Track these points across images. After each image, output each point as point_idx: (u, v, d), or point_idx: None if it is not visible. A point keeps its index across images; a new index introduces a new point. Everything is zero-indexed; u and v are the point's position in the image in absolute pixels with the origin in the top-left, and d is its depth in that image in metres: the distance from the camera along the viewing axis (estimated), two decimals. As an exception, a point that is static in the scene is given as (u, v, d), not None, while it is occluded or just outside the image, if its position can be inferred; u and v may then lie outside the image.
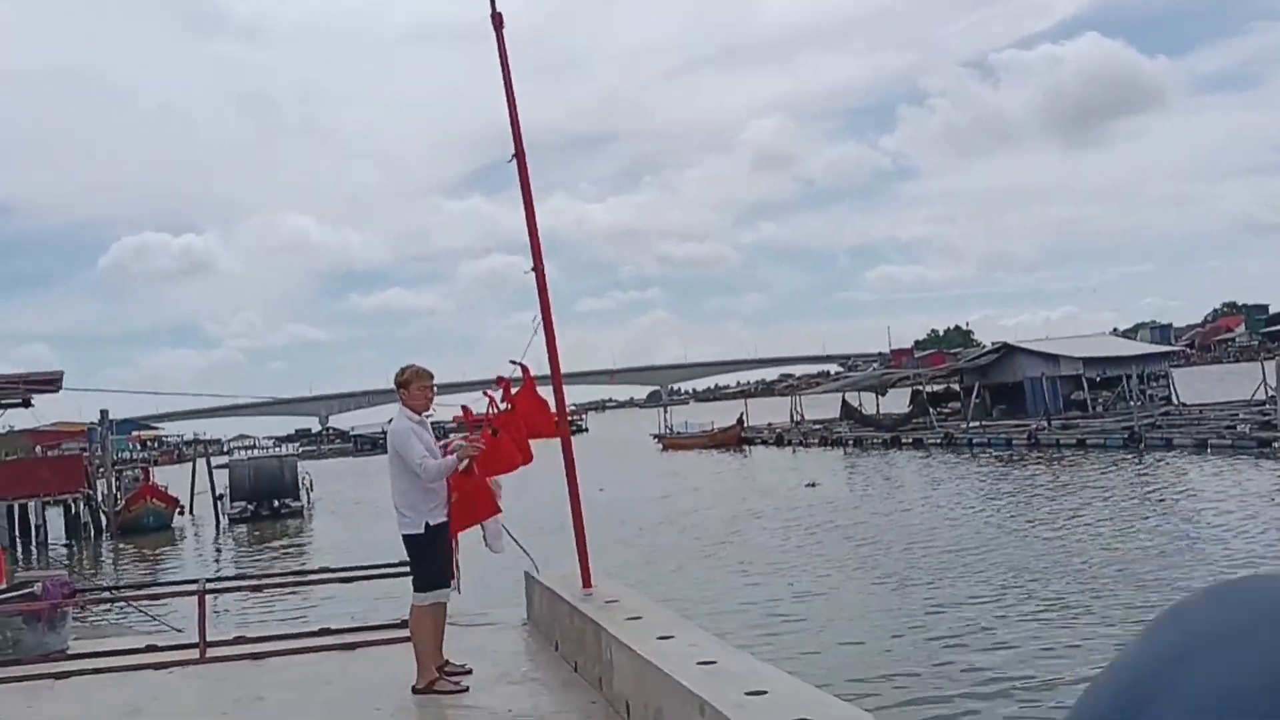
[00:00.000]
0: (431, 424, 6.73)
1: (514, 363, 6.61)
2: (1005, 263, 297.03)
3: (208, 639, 7.27)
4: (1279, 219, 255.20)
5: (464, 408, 6.79)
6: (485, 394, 6.67)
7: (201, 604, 7.20)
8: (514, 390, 6.65)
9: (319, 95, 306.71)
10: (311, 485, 40.98)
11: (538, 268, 6.55)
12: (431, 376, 6.54)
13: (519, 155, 6.62)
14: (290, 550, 27.46)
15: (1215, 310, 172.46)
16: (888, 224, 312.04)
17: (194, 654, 7.09)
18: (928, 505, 24.70)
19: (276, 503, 37.20)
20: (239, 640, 7.55)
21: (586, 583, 6.86)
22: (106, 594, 8.77)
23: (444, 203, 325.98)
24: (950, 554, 17.59)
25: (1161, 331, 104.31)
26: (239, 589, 8.29)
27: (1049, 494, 25.18)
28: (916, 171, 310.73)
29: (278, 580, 9.07)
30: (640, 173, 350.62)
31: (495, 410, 6.42)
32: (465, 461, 6.64)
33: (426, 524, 6.30)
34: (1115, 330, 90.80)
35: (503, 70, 6.66)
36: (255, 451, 59.52)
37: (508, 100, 6.80)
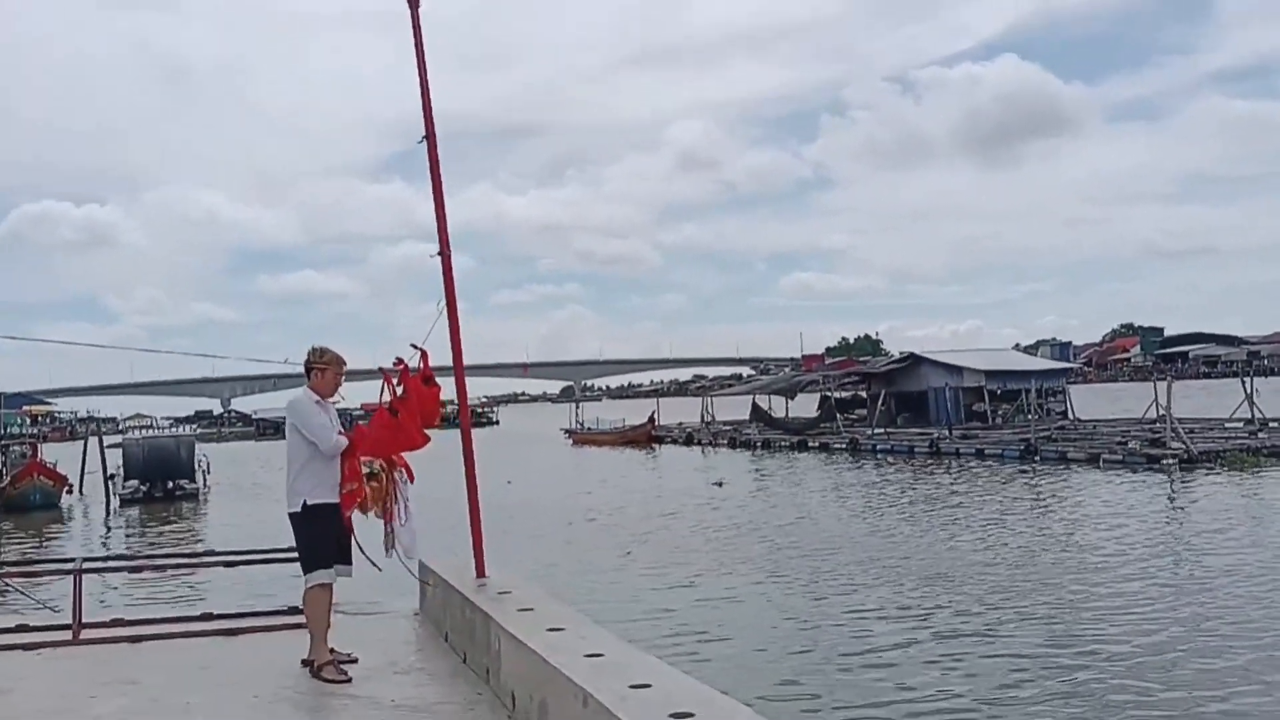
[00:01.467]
0: (343, 411, 6.60)
1: (414, 347, 6.49)
2: (916, 275, 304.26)
3: (83, 620, 6.98)
4: (1178, 246, 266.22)
5: (381, 368, 6.61)
6: (380, 370, 6.53)
7: (77, 583, 6.91)
8: (410, 375, 6.52)
9: (238, 70, 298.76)
10: (209, 468, 39.89)
11: (444, 251, 6.45)
12: (345, 365, 6.44)
13: (429, 137, 6.50)
14: (182, 534, 26.70)
15: (1113, 330, 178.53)
16: (805, 232, 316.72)
17: (67, 635, 6.80)
18: (829, 508, 25.13)
19: (171, 484, 36.15)
20: (116, 622, 7.27)
21: (480, 572, 6.78)
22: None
23: (361, 186, 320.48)
24: (849, 557, 17.88)
25: (1061, 349, 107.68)
26: (118, 569, 7.97)
27: (947, 502, 25.77)
28: (835, 182, 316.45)
29: (158, 562, 8.73)
30: (564, 167, 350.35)
31: (392, 393, 6.30)
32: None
33: (304, 503, 6.16)
34: (1017, 345, 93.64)
35: (416, 50, 6.53)
36: (152, 431, 57.63)
37: (420, 81, 6.66)
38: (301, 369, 6.46)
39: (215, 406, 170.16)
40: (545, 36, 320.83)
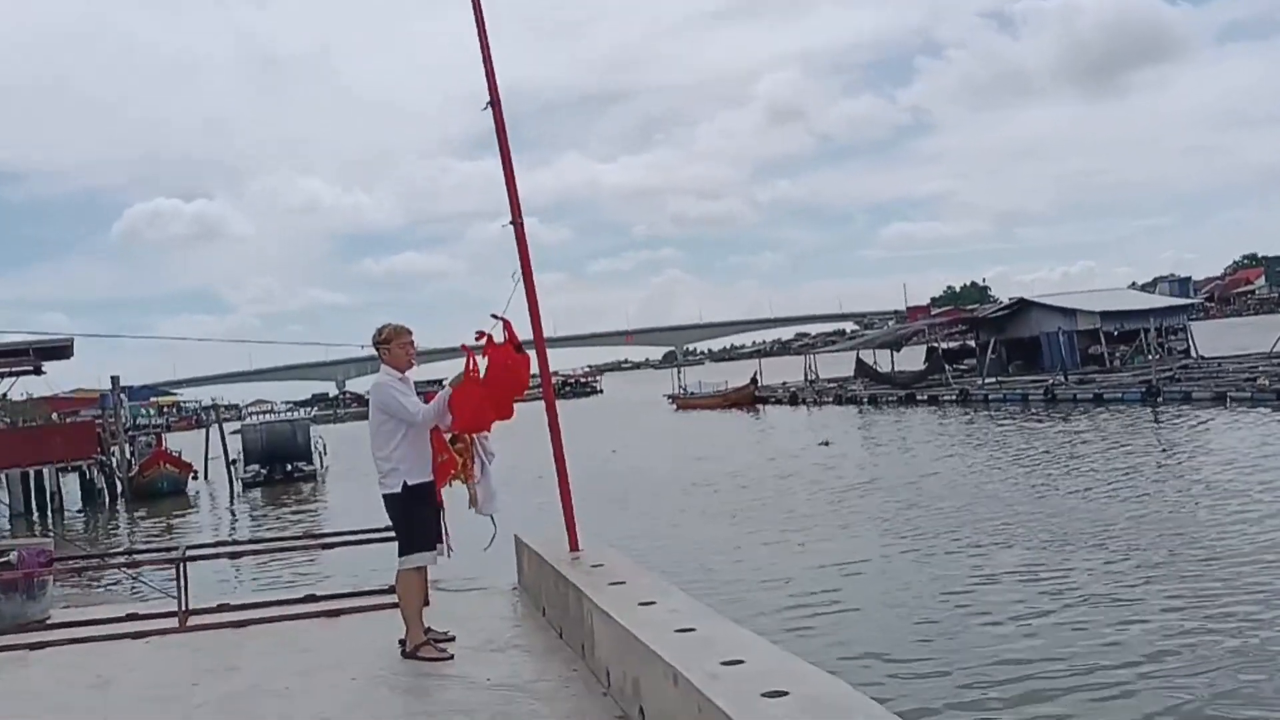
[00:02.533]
0: (442, 385, 6.51)
1: (495, 316, 6.35)
2: (1022, 218, 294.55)
3: (190, 607, 7.10)
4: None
5: (463, 345, 6.49)
6: (463, 348, 6.40)
7: (181, 571, 7.02)
8: (495, 346, 6.38)
9: (327, 56, 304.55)
10: (325, 449, 41.05)
11: (515, 220, 6.27)
12: (410, 333, 6.31)
13: (494, 104, 6.32)
14: (300, 515, 27.45)
15: (1235, 262, 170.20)
16: (904, 180, 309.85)
17: (174, 623, 6.92)
18: (941, 464, 24.34)
19: (289, 466, 37.31)
20: (222, 608, 7.38)
21: (573, 545, 6.64)
22: (83, 561, 8.61)
23: (454, 164, 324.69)
24: (968, 516, 17.29)
25: (1180, 285, 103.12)
26: (218, 555, 8.11)
27: (1068, 451, 24.83)
28: (933, 126, 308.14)
29: (258, 547, 8.86)
30: (652, 130, 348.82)
31: (471, 368, 6.17)
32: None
33: (404, 484, 6.08)
34: (1134, 284, 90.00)
35: (475, 14, 6.33)
36: (271, 416, 59.57)
37: (481, 46, 6.47)
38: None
39: (331, 389, 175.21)
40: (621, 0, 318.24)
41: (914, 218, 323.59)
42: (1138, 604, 10.96)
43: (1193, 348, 47.53)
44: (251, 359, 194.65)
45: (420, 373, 6.76)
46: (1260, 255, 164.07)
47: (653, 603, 4.88)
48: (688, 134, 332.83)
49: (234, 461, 37.30)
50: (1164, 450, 23.45)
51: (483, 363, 6.24)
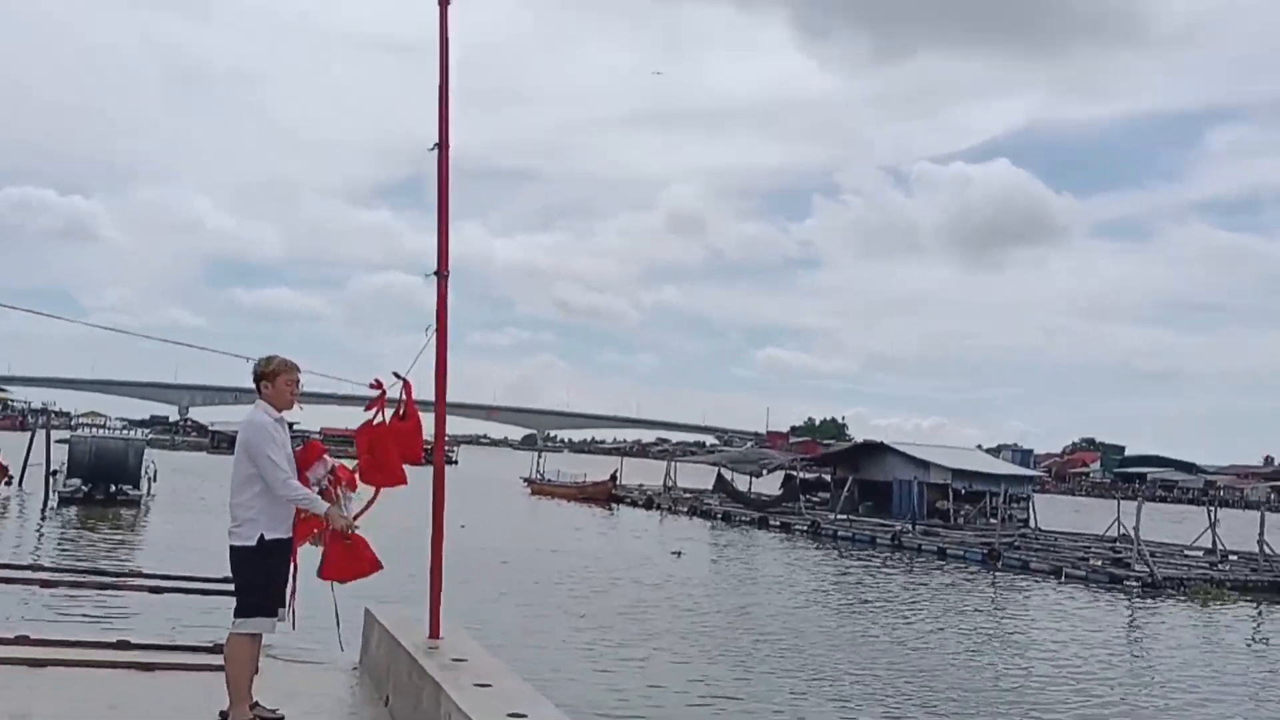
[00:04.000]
0: (299, 432, 5.98)
1: (397, 375, 5.90)
2: (888, 364, 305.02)
3: (-18, 635, 6.25)
4: (1149, 367, 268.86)
5: (376, 380, 5.98)
6: (375, 383, 5.91)
7: (-19, 593, 6.19)
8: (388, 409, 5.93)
9: (247, 77, 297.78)
10: (155, 475, 38.70)
11: (442, 271, 5.88)
12: (298, 370, 5.77)
13: (442, 145, 5.97)
14: (116, 543, 25.52)
15: (1074, 444, 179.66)
16: (785, 308, 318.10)
17: (-40, 651, 6.06)
18: (787, 594, 24.26)
19: (114, 487, 34.90)
20: (20, 640, 6.51)
21: (434, 632, 6.12)
22: None
23: (349, 210, 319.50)
24: (811, 650, 17.18)
25: (1023, 455, 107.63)
26: (28, 581, 7.18)
27: (907, 600, 25.15)
28: (821, 262, 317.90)
29: (76, 578, 7.91)
30: (555, 215, 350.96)
31: (380, 417, 5.71)
32: (324, 472, 5.89)
33: (261, 537, 5.49)
34: (980, 446, 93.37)
35: (440, 50, 6.03)
36: (103, 431, 56.16)
37: (440, 83, 6.15)
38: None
39: (173, 413, 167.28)
40: (552, 85, 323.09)
41: (787, 345, 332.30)
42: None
43: (1033, 518, 49.32)
44: (95, 367, 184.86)
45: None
46: (1098, 441, 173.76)
47: (524, 715, 4.42)
48: (588, 225, 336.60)
49: (55, 472, 34.80)
50: (995, 613, 23.98)
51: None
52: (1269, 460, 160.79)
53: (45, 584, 7.14)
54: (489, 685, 4.94)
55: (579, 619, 18.22)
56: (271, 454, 5.43)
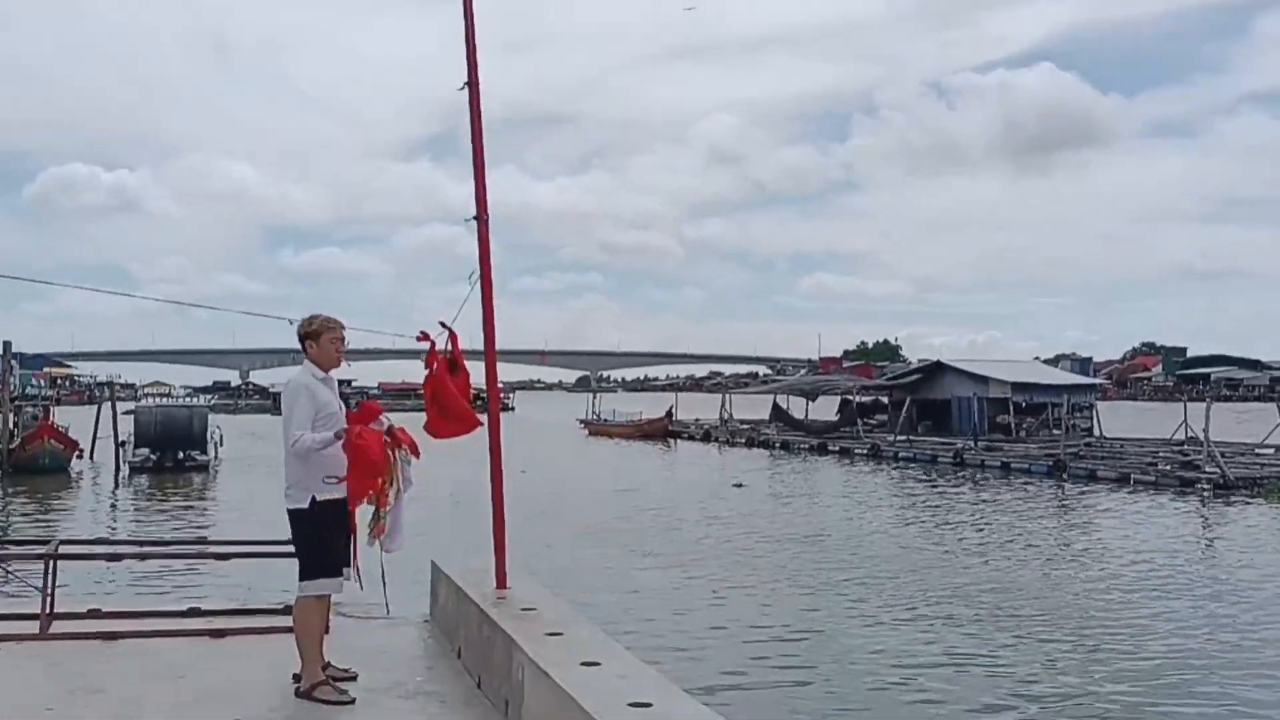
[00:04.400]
0: (358, 389, 5.82)
1: (443, 325, 5.71)
2: (938, 283, 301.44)
3: (55, 611, 6.25)
4: (1206, 266, 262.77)
5: (422, 333, 5.83)
6: (421, 335, 5.75)
7: (49, 571, 6.18)
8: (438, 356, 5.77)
9: (277, 45, 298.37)
10: (221, 440, 39.45)
11: (481, 216, 5.66)
12: (343, 327, 5.61)
13: (472, 84, 5.71)
14: (189, 510, 26.03)
15: (1134, 349, 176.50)
16: (830, 233, 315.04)
17: (34, 628, 6.07)
18: (857, 518, 24.10)
19: (181, 454, 35.53)
20: (92, 614, 6.53)
21: (501, 583, 6.01)
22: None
23: (390, 165, 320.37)
24: (878, 571, 17.05)
25: (1082, 364, 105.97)
26: (94, 556, 7.20)
27: (976, 517, 24.86)
28: (864, 185, 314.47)
29: (144, 550, 7.93)
30: (593, 156, 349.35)
31: (431, 363, 5.57)
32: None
33: (313, 499, 5.38)
34: (1037, 358, 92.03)
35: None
36: (168, 400, 57.24)
37: (465, 21, 5.88)
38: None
39: (234, 378, 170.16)
40: (582, 25, 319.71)
41: (835, 270, 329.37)
42: (1011, 666, 11.15)
43: (1096, 426, 48.53)
44: (155, 338, 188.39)
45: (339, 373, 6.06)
46: (1158, 344, 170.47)
47: (597, 664, 4.28)
48: (626, 164, 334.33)
49: (123, 443, 35.49)
50: (1066, 524, 23.63)
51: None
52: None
53: (111, 559, 7.16)
54: (560, 634, 4.82)
55: (646, 558, 18.17)
56: (295, 411, 5.32)
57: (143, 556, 7.85)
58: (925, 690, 10.16)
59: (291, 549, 5.72)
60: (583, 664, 4.26)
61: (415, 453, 5.80)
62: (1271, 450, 38.66)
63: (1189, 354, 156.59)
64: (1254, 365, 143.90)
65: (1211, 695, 10.35)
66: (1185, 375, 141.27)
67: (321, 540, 5.43)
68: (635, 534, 20.98)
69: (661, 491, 29.57)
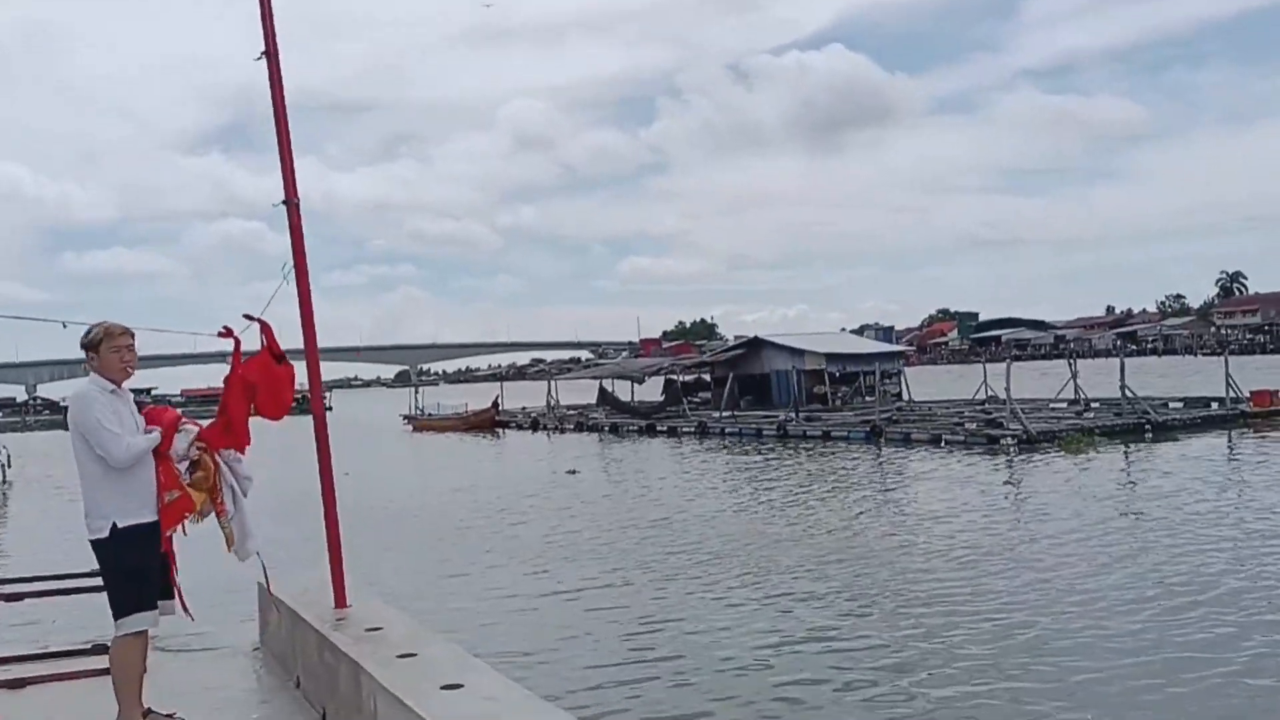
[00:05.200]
0: (153, 396, 5.21)
1: (249, 318, 5.16)
2: (748, 260, 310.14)
3: None
4: (992, 235, 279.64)
5: (225, 329, 5.23)
6: (224, 331, 5.19)
7: None
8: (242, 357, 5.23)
9: (46, 37, 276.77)
10: (9, 461, 36.32)
11: (291, 199, 5.14)
12: (129, 335, 4.99)
13: (270, 54, 5.18)
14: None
15: (930, 315, 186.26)
16: (642, 216, 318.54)
17: None
18: (700, 499, 24.03)
19: (-39, 479, 32.63)
20: None
21: (340, 601, 5.53)
22: None
23: (177, 159, 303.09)
24: (727, 548, 17.15)
25: (885, 333, 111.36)
26: None
27: (804, 484, 25.52)
28: (671, 166, 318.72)
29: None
30: (398, 145, 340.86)
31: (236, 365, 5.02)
32: (187, 444, 5.19)
33: (114, 526, 4.79)
34: (843, 329, 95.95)
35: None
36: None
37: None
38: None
39: (20, 393, 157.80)
40: (377, 11, 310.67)
41: (649, 253, 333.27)
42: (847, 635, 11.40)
43: (905, 391, 50.85)
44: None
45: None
46: (952, 310, 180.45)
47: (459, 685, 3.92)
48: (432, 152, 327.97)
49: (-107, 471, 32.21)
50: (888, 486, 24.57)
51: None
52: (1110, 310, 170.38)
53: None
54: (413, 655, 4.42)
55: (489, 556, 17.55)
56: (99, 417, 4.74)
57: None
58: (788, 671, 10.16)
59: (97, 582, 5.11)
60: (443, 687, 3.89)
61: (241, 448, 5.29)
62: (1064, 404, 41.48)
63: (981, 318, 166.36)
64: (1040, 326, 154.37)
65: (1046, 639, 10.84)
66: (979, 338, 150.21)
67: (128, 571, 4.85)
68: (475, 533, 20.35)
69: (496, 485, 29.00)
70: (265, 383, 5.22)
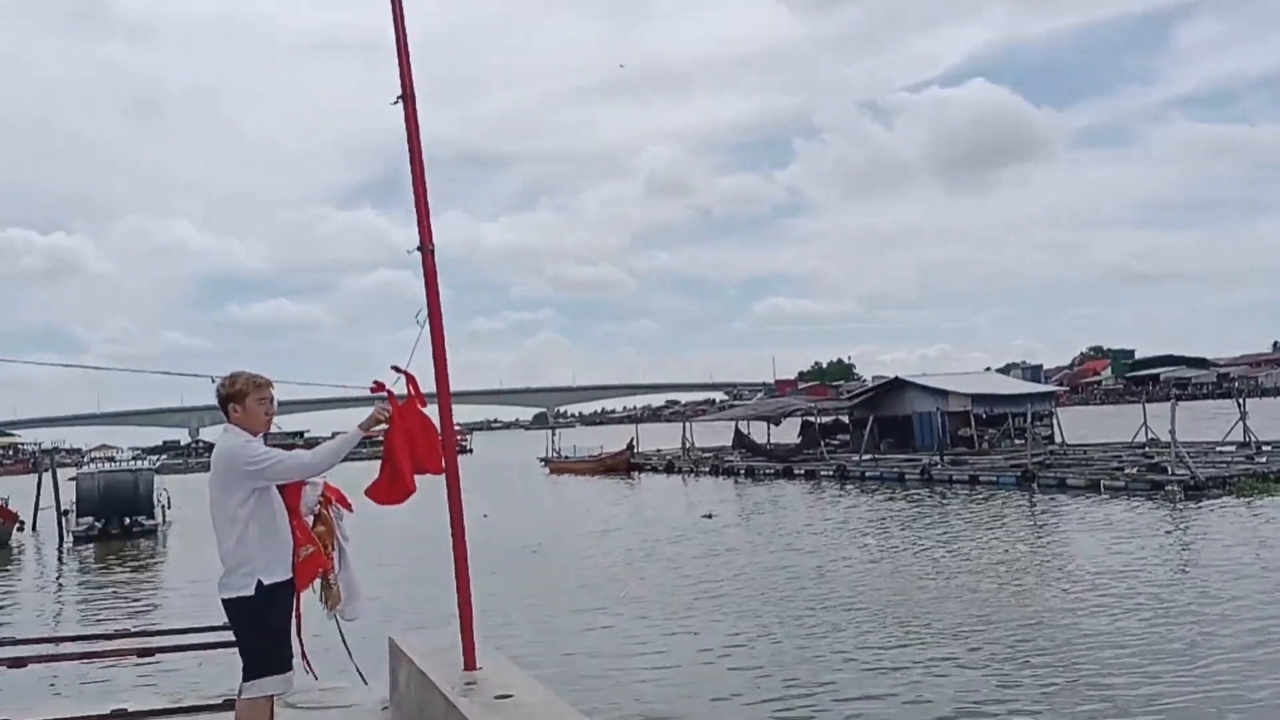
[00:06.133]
0: (305, 440, 5.13)
1: (397, 370, 5.01)
2: (886, 300, 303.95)
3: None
4: (1144, 269, 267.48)
5: (376, 384, 5.13)
6: (375, 386, 5.05)
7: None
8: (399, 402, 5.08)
9: (208, 98, 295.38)
10: (169, 502, 37.97)
11: (426, 246, 4.95)
12: (271, 386, 4.88)
13: (407, 97, 5.03)
14: (136, 581, 24.71)
15: (1082, 353, 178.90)
16: (778, 257, 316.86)
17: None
18: (831, 545, 23.32)
19: (128, 520, 34.20)
20: (-1, 728, 5.67)
21: (470, 663, 5.25)
22: None
23: (332, 213, 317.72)
24: (865, 601, 16.36)
25: (1033, 371, 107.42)
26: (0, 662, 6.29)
27: (955, 534, 24.31)
28: (808, 207, 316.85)
29: (53, 649, 6.99)
30: (537, 194, 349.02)
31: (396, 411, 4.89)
32: (315, 497, 5.06)
33: (259, 584, 4.66)
34: (988, 369, 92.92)
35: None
36: (112, 463, 55.59)
37: (396, 33, 5.24)
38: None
39: (183, 436, 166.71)
40: (513, 65, 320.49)
41: (785, 293, 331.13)
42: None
43: (1058, 433, 48.52)
44: (100, 402, 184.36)
45: (276, 424, 5.39)
46: (1105, 348, 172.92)
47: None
48: (570, 200, 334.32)
49: (66, 512, 34.04)
50: (1045, 537, 23.14)
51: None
52: (1277, 346, 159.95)
53: (13, 664, 6.21)
54: (546, 730, 4.09)
55: (627, 606, 16.87)
56: (267, 453, 4.65)
57: (51, 658, 6.90)
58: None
59: (227, 637, 4.99)
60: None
61: (346, 505, 5.18)
62: (1233, 448, 38.78)
63: (1137, 355, 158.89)
64: (1201, 364, 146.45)
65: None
66: (1134, 377, 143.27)
67: (268, 631, 4.71)
68: (612, 580, 19.92)
69: (632, 529, 28.71)
70: (421, 432, 5.07)
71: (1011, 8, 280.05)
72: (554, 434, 71.96)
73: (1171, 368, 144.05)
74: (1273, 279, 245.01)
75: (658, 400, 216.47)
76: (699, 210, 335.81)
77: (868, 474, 42.01)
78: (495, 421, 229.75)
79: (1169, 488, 29.67)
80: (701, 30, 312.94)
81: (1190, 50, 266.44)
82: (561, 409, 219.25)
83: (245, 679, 4.75)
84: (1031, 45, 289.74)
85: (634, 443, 61.14)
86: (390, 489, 4.99)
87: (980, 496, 32.59)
